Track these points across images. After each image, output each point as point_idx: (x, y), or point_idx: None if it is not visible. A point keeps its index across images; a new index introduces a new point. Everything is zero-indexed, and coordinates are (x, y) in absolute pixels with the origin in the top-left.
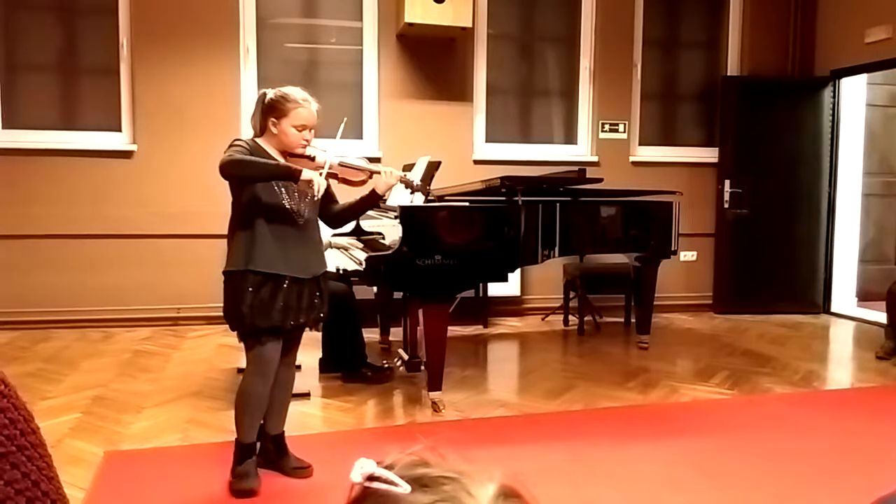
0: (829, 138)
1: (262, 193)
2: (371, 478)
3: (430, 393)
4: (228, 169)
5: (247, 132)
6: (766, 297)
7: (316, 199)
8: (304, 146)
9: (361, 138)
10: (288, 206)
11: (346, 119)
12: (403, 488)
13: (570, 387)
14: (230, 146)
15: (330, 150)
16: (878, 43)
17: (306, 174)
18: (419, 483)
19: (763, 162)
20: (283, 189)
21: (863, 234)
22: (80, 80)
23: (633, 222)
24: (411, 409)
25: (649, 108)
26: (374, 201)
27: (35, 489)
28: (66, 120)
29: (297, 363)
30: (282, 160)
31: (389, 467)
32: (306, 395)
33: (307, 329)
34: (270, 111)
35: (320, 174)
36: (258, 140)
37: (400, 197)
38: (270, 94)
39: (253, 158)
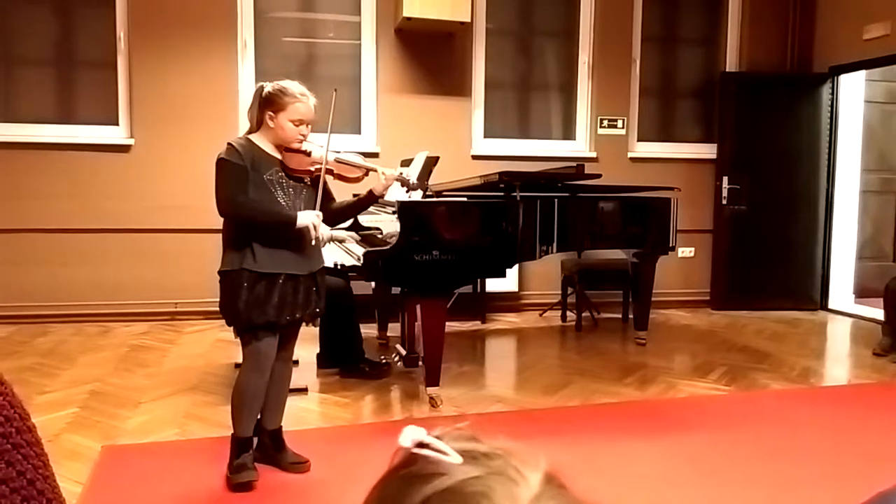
0: (828, 135)
1: (257, 192)
2: (421, 444)
3: (428, 388)
4: (237, 214)
5: (244, 127)
6: (764, 293)
7: (322, 244)
8: (301, 141)
9: (360, 133)
10: (283, 204)
11: (336, 89)
12: (454, 458)
13: (568, 383)
14: (227, 156)
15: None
16: (877, 39)
17: (301, 221)
18: (469, 455)
19: (761, 158)
20: (278, 187)
21: (860, 231)
22: (77, 74)
23: (631, 218)
24: (409, 405)
25: (648, 103)
26: (371, 201)
27: (30, 488)
28: (63, 113)
29: (294, 358)
30: (278, 155)
31: (438, 438)
32: (304, 391)
33: (304, 324)
34: (268, 105)
35: (316, 169)
36: (252, 137)
37: (397, 192)
38: (268, 87)
39: (257, 207)
